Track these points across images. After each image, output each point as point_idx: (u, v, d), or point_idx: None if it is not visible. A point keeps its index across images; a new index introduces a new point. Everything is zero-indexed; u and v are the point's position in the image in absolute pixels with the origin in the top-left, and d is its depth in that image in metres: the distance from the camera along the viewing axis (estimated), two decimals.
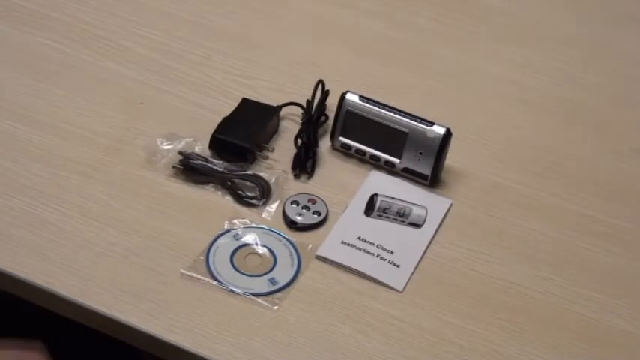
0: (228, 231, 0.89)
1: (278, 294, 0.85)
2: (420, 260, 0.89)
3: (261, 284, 0.85)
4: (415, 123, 0.94)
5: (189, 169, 0.94)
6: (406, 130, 0.94)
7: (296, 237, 0.90)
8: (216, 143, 0.96)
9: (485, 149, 1.02)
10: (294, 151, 0.97)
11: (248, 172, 0.94)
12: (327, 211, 0.92)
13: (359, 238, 0.90)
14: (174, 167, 0.94)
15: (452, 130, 0.94)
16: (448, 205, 0.95)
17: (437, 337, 0.83)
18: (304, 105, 1.00)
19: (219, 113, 0.99)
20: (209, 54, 1.09)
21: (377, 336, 0.83)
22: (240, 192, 0.92)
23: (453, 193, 0.96)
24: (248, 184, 0.93)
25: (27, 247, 0.86)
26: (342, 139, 0.98)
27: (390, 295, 0.86)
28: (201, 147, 0.96)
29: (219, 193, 0.93)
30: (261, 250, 0.88)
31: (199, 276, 0.85)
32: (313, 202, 0.92)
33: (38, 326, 1.10)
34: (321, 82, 1.01)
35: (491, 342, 0.83)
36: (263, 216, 0.92)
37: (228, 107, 1.00)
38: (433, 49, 1.16)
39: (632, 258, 0.92)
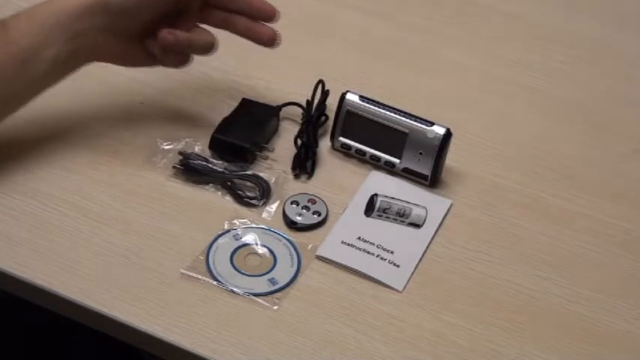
0: (228, 231, 0.89)
1: (278, 294, 0.85)
2: (420, 260, 0.89)
3: (261, 284, 0.85)
4: (415, 123, 0.94)
5: (189, 169, 0.94)
6: (406, 130, 0.94)
7: (296, 237, 0.90)
8: (216, 143, 0.96)
9: (485, 149, 1.02)
10: (294, 151, 0.97)
11: (248, 172, 0.94)
12: (327, 211, 0.92)
13: (359, 238, 0.90)
14: (174, 167, 0.94)
15: (452, 130, 0.94)
16: (448, 205, 0.95)
17: (437, 337, 0.83)
18: (304, 105, 1.00)
19: (219, 113, 0.99)
20: None
21: (377, 336, 0.83)
22: (240, 192, 0.92)
23: (453, 193, 0.96)
24: (248, 184, 0.93)
25: (27, 247, 0.86)
26: (342, 139, 0.98)
27: (390, 295, 0.86)
28: (201, 147, 0.96)
29: (219, 193, 0.93)
30: (261, 250, 0.88)
31: (199, 276, 0.85)
32: (313, 202, 0.92)
33: (38, 326, 1.10)
34: (321, 82, 1.01)
35: (491, 342, 0.83)
36: (263, 216, 0.91)
37: (228, 107, 1.00)
38: (433, 49, 1.15)
39: (632, 258, 0.92)
